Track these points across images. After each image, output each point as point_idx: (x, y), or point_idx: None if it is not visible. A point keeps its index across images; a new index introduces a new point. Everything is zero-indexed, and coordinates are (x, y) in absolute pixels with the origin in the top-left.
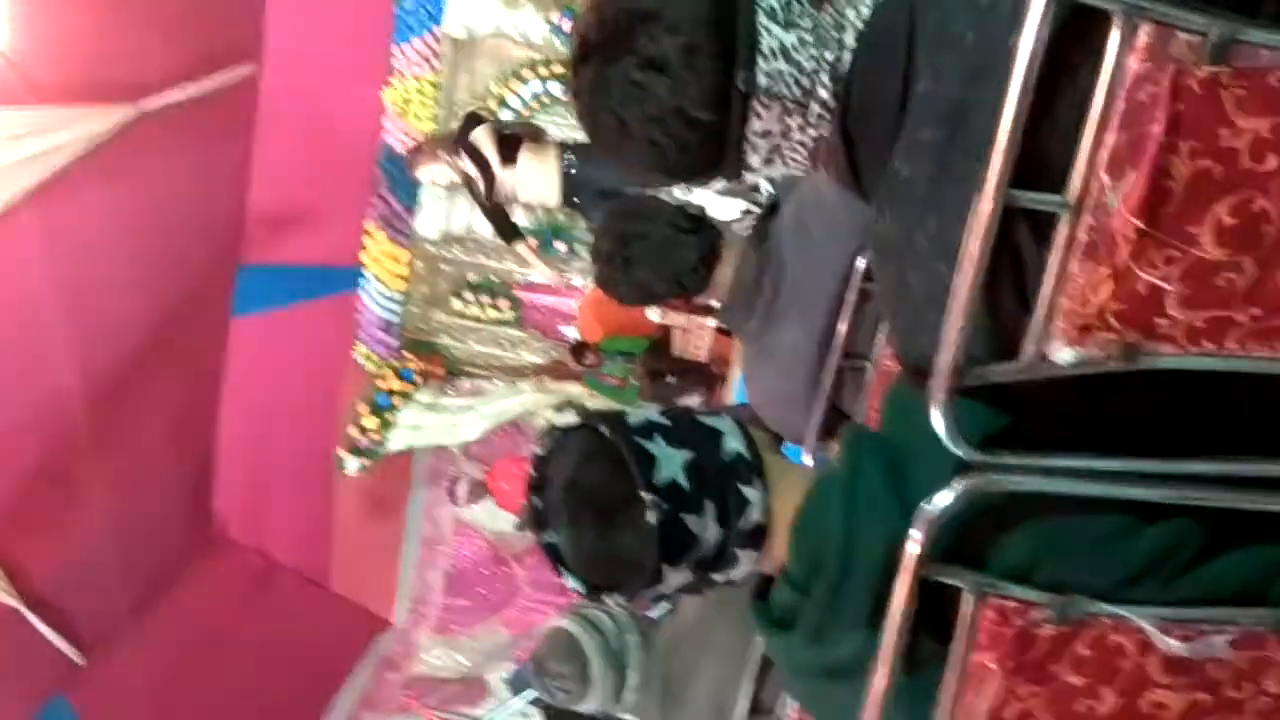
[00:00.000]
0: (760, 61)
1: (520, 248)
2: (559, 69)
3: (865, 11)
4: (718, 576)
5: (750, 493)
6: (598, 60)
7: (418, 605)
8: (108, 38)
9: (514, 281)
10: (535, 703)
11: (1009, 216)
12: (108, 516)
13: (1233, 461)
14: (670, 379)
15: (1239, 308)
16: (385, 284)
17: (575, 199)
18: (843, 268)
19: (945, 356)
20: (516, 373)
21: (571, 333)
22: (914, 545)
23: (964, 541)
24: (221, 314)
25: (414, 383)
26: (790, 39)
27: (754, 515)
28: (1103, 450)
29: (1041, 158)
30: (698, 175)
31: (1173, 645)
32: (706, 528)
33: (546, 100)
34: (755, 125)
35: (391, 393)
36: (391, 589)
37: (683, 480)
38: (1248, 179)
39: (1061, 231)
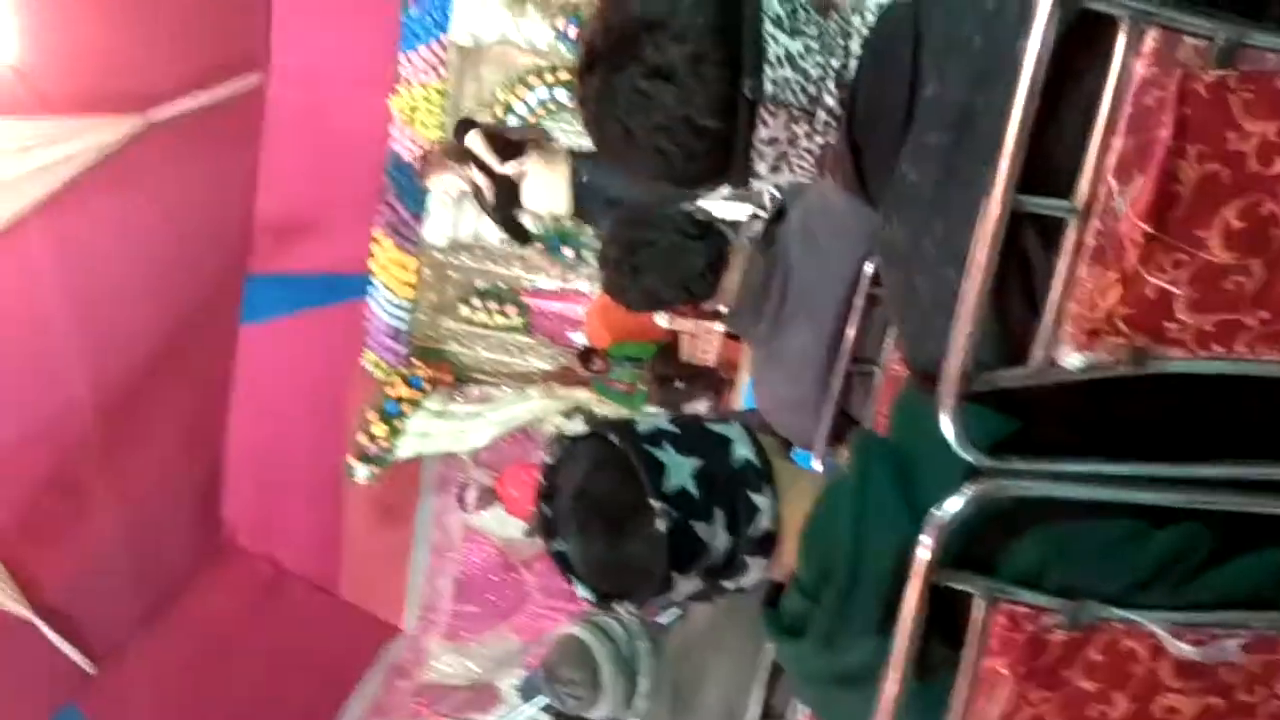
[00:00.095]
0: (766, 69)
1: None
2: (565, 75)
3: (871, 18)
4: (728, 584)
5: (760, 500)
6: (604, 69)
7: (427, 612)
8: (115, 49)
9: (522, 288)
10: (546, 709)
11: (1016, 222)
12: (118, 526)
13: (1242, 465)
14: (678, 384)
15: (1248, 311)
16: (393, 291)
17: (584, 206)
18: (850, 272)
19: (954, 362)
20: (525, 379)
21: (579, 339)
22: (924, 551)
23: (974, 547)
24: (230, 322)
25: (423, 390)
26: (796, 46)
27: (763, 522)
28: (1112, 455)
29: (1049, 163)
30: (705, 183)
31: (1185, 650)
32: (716, 535)
33: (553, 107)
34: (762, 133)
35: (400, 400)
36: (401, 596)
37: (692, 488)
38: (1255, 182)
39: (1069, 236)
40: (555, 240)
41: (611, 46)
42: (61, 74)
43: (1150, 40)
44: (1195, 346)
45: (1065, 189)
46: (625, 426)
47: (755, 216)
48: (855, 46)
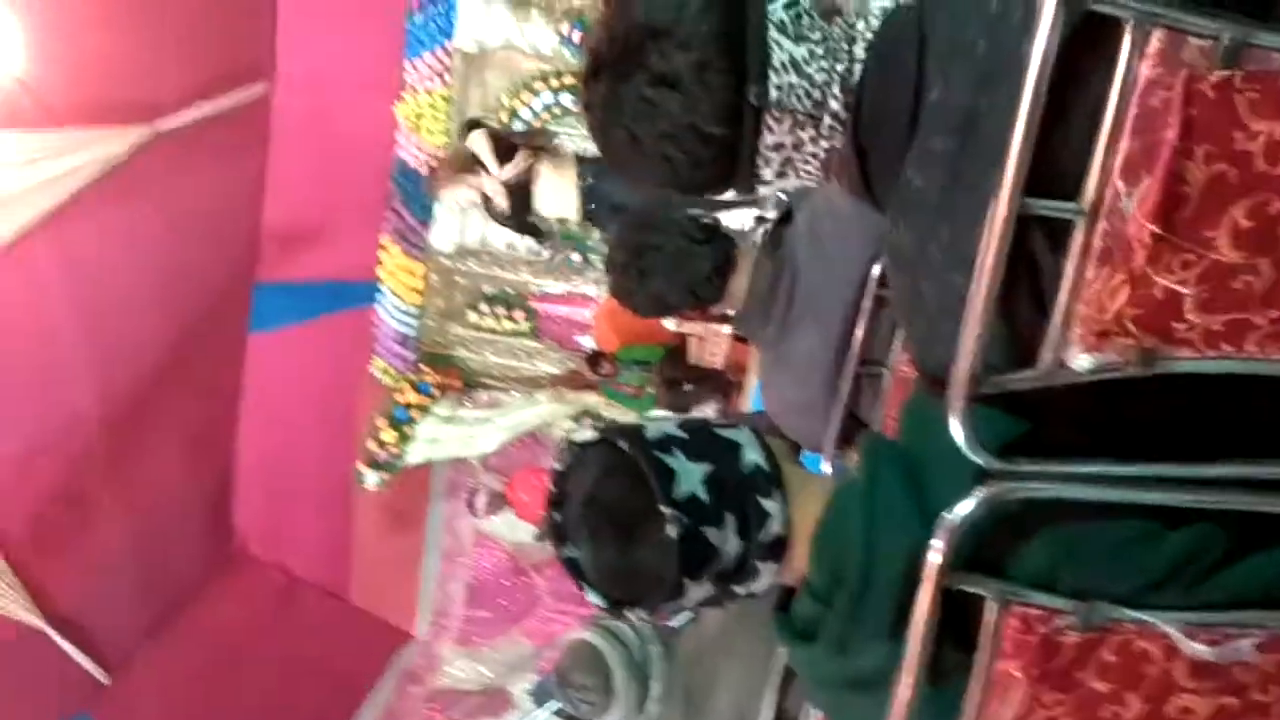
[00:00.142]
0: (771, 75)
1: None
2: (570, 80)
3: (875, 23)
4: (739, 589)
5: (770, 504)
6: (610, 77)
7: (439, 618)
8: (121, 60)
9: (529, 293)
10: (559, 714)
11: (1023, 224)
12: (129, 535)
13: (1254, 464)
14: (686, 387)
15: (1257, 310)
16: (401, 298)
17: (591, 210)
18: (858, 274)
19: (962, 365)
20: (533, 384)
21: (587, 342)
22: (935, 555)
23: (984, 549)
24: (238, 331)
25: (431, 396)
26: (801, 52)
27: (774, 527)
28: (1122, 455)
29: (1055, 165)
30: (711, 190)
31: (1198, 650)
32: (727, 540)
33: (558, 112)
34: (767, 139)
35: (409, 406)
36: (412, 602)
37: (702, 493)
38: (1263, 182)
39: (1077, 238)
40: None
41: (617, 54)
42: (67, 86)
43: (1155, 41)
44: (1204, 346)
45: (1072, 191)
46: (634, 432)
47: (761, 219)
48: (859, 51)
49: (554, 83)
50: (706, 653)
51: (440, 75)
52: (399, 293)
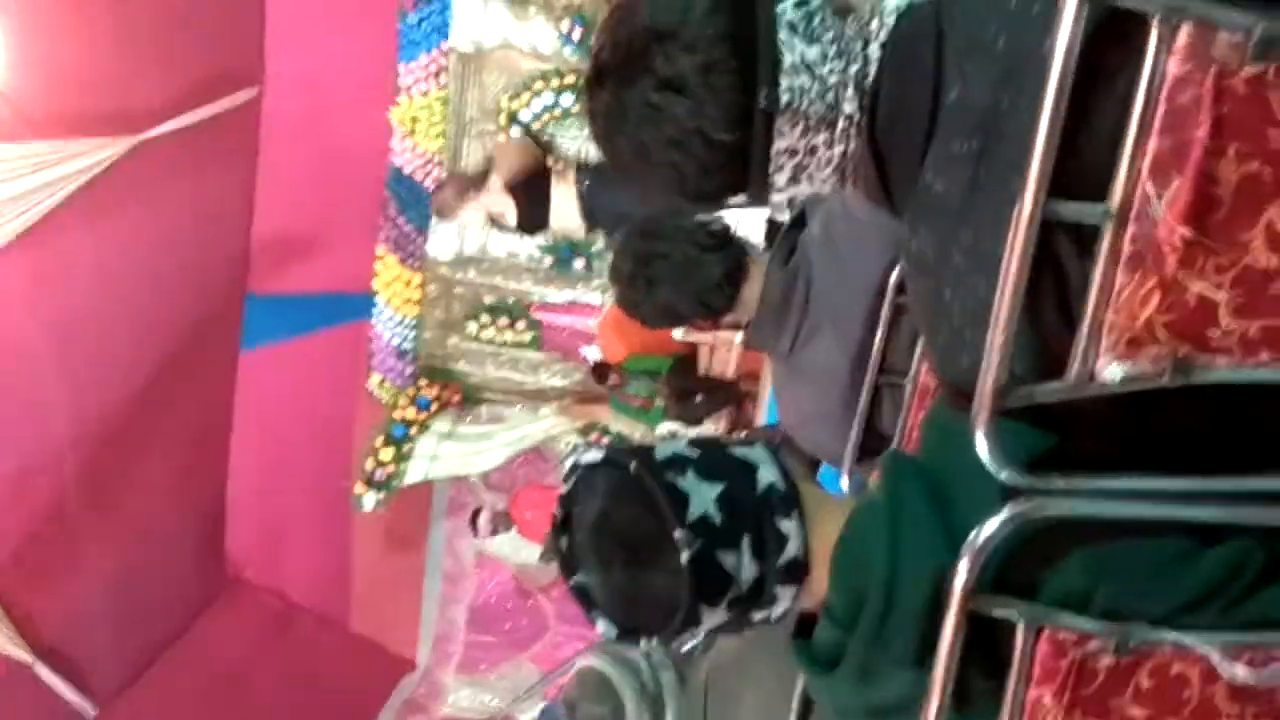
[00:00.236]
0: (782, 78)
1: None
2: (570, 80)
3: (889, 22)
4: (757, 615)
5: (787, 525)
6: (613, 82)
7: (442, 643)
8: (103, 68)
9: (531, 302)
10: None
11: (1048, 228)
12: (118, 562)
13: None
14: (697, 398)
15: None
16: (398, 309)
17: (594, 218)
18: (875, 280)
19: (988, 377)
20: (536, 397)
21: (592, 353)
22: (962, 576)
23: (1011, 570)
24: (230, 347)
25: (430, 411)
26: (813, 53)
27: (792, 549)
28: (1155, 468)
29: (1080, 166)
30: (721, 198)
31: (1238, 674)
32: (742, 564)
33: (558, 113)
34: (779, 144)
35: (407, 422)
36: (414, 627)
37: (715, 514)
38: None
39: (1105, 242)
40: (565, 250)
41: (621, 59)
42: (48, 96)
43: (1183, 36)
44: (1241, 354)
45: (1098, 193)
46: (644, 454)
47: (773, 222)
48: (874, 51)
49: (554, 83)
50: (722, 679)
51: (435, 76)
52: (396, 304)
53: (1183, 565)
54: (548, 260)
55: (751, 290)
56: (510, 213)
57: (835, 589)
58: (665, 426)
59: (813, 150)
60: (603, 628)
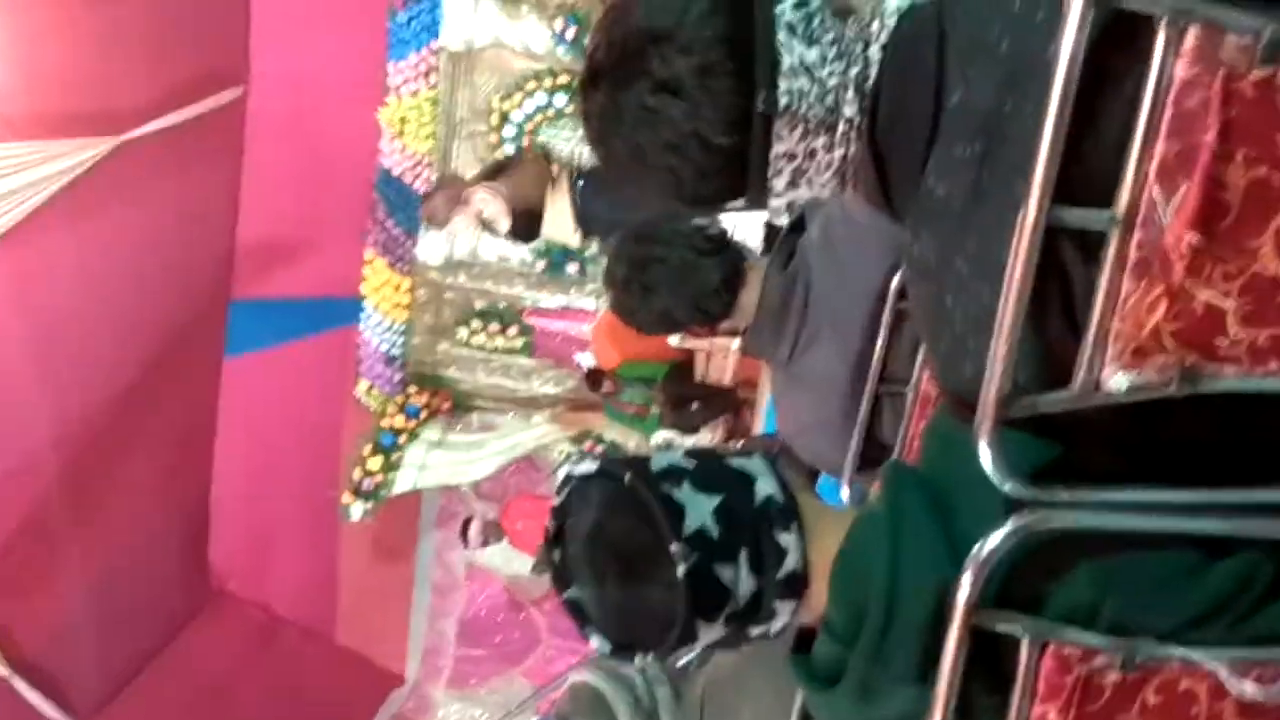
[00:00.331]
0: (781, 81)
1: None
2: (563, 80)
3: (891, 23)
4: (755, 630)
5: (786, 538)
6: (608, 84)
7: (431, 657)
8: (87, 68)
9: (523, 307)
10: None
11: (1053, 235)
12: (99, 574)
13: None
14: (693, 405)
15: None
16: (387, 314)
17: (588, 224)
18: (876, 286)
19: (991, 387)
20: (529, 404)
21: (586, 359)
22: (965, 591)
23: (1015, 584)
24: (214, 354)
25: (419, 419)
26: (812, 55)
27: (790, 563)
28: (1161, 480)
29: (1086, 171)
30: (718, 202)
31: (1247, 690)
32: (740, 578)
33: (551, 114)
34: (777, 147)
35: (396, 430)
36: (403, 640)
37: (712, 527)
38: None
39: (1111, 249)
40: (558, 255)
41: (616, 60)
42: (28, 97)
43: (1191, 39)
44: (1249, 363)
45: (1104, 199)
46: (639, 465)
47: (771, 226)
48: (875, 53)
49: (547, 83)
50: (719, 694)
51: (425, 76)
52: (384, 309)
53: (1190, 579)
54: (540, 265)
55: (749, 296)
56: (503, 220)
57: (835, 603)
58: (660, 434)
59: (812, 154)
60: (596, 643)
